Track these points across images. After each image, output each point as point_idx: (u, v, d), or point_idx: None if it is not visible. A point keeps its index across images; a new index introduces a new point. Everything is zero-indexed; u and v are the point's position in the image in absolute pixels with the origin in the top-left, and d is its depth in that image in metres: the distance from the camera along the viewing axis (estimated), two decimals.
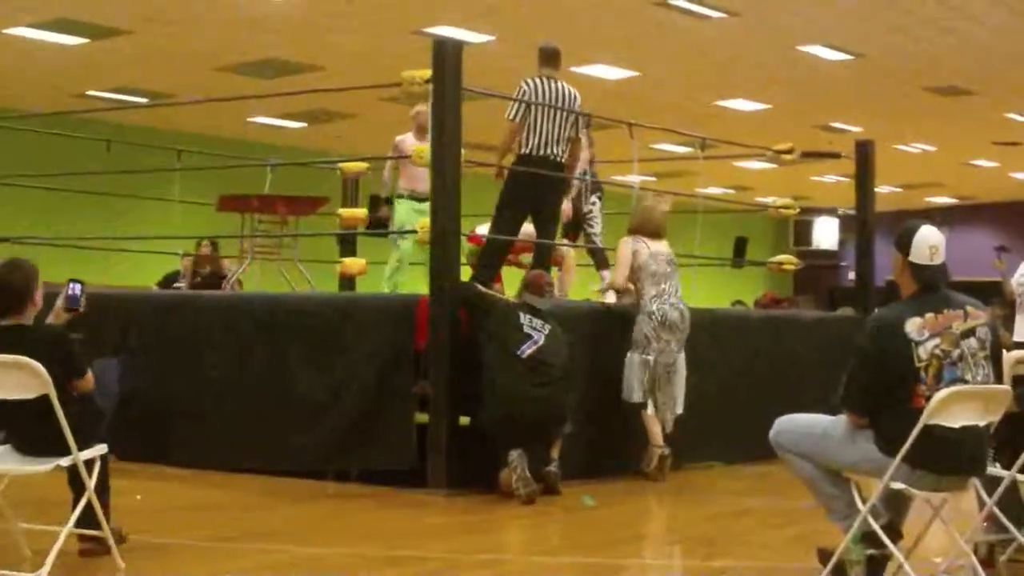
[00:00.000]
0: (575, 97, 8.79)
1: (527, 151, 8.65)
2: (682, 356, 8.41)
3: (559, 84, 8.74)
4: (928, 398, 4.58)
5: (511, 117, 8.63)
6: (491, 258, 8.85)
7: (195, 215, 13.42)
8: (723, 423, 9.12)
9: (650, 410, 8.28)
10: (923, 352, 4.66)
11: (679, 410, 8.36)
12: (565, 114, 8.68)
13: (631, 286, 8.46)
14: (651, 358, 8.23)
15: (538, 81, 8.68)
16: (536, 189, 8.73)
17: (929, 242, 4.79)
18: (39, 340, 5.12)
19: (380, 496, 7.47)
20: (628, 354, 8.30)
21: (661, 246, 8.53)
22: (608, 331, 8.59)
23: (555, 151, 8.68)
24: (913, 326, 4.68)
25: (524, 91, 8.64)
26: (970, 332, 4.74)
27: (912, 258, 4.80)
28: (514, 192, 8.76)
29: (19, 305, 5.20)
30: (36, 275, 5.31)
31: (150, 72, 17.62)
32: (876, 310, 5.05)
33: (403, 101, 10.43)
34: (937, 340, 4.67)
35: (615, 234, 9.49)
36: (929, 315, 4.71)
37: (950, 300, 4.79)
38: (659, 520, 7.58)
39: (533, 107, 8.59)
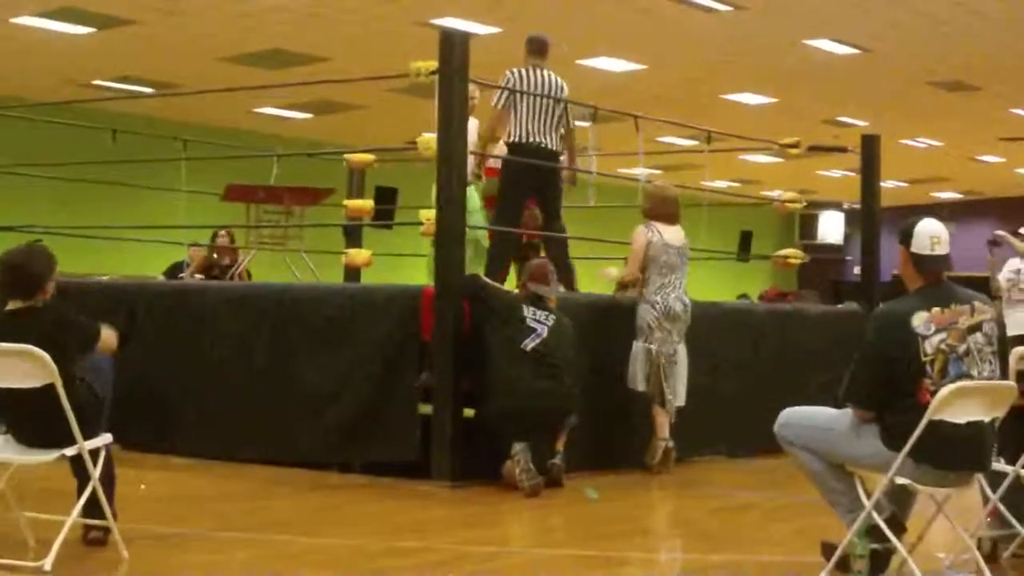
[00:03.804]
0: (562, 87, 8.84)
1: (515, 140, 8.73)
2: (683, 347, 8.39)
3: (545, 73, 8.80)
4: (934, 393, 4.58)
5: (495, 104, 8.70)
6: (499, 251, 8.85)
7: (200, 205, 13.41)
8: (727, 416, 9.11)
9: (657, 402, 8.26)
10: (929, 347, 4.66)
11: (679, 402, 8.33)
12: (552, 103, 8.72)
13: (640, 276, 8.41)
14: (654, 347, 8.21)
15: (523, 71, 8.75)
16: (533, 177, 8.76)
17: (930, 232, 4.81)
18: (46, 322, 5.13)
19: (384, 487, 7.47)
20: (634, 343, 8.29)
21: (676, 233, 8.40)
22: (612, 323, 8.58)
23: (545, 140, 8.73)
24: (920, 320, 4.68)
25: (508, 79, 8.72)
26: (976, 327, 4.74)
27: (913, 249, 4.82)
28: (510, 182, 8.79)
29: (31, 290, 5.21)
30: (53, 263, 5.31)
31: (155, 62, 17.61)
32: (882, 304, 5.05)
33: (410, 92, 10.38)
34: (944, 335, 4.67)
35: (615, 229, 9.48)
36: (936, 309, 4.71)
37: (957, 295, 4.80)
38: (662, 513, 7.58)
39: (518, 96, 8.64)
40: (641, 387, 8.22)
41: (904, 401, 4.67)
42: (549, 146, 8.78)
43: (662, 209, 8.44)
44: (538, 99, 8.68)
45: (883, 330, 4.78)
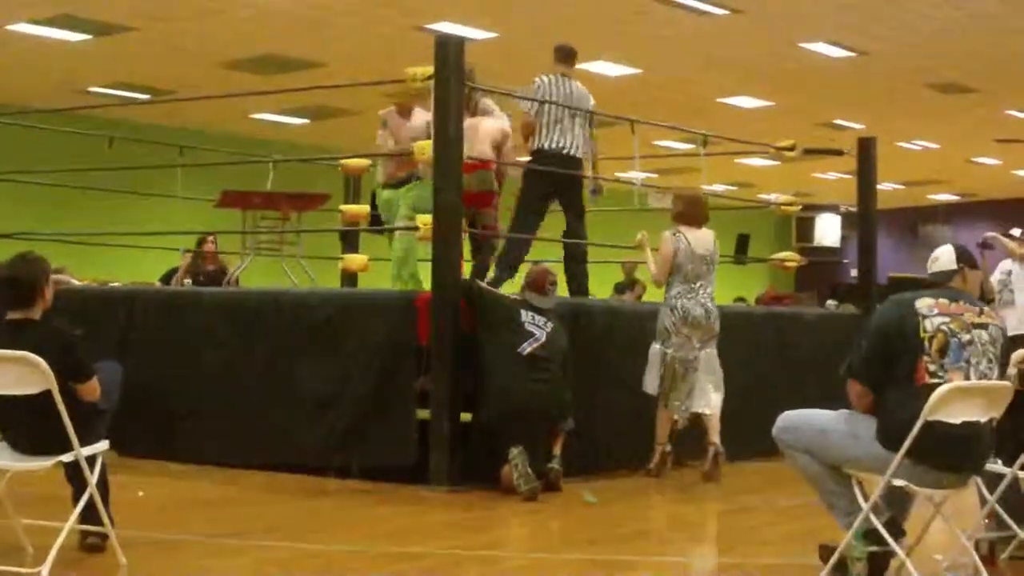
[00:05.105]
0: (588, 97, 9.08)
1: (538, 147, 8.88)
2: (706, 354, 8.29)
3: (573, 84, 9.04)
4: (933, 373, 4.68)
5: (528, 110, 8.89)
6: (510, 257, 8.94)
7: (197, 211, 13.41)
8: (725, 420, 9.09)
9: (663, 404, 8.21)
10: (929, 325, 4.78)
11: (701, 409, 8.23)
12: (577, 112, 8.94)
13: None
14: (669, 351, 8.17)
15: (551, 79, 8.95)
16: (553, 185, 8.90)
17: (932, 256, 5.15)
18: (46, 339, 5.10)
19: (381, 492, 7.47)
20: (652, 344, 8.25)
21: (705, 238, 8.31)
22: (616, 328, 8.59)
23: (567, 145, 8.90)
24: (924, 304, 4.83)
25: (538, 86, 8.89)
26: (982, 326, 4.86)
27: None
28: (531, 189, 8.94)
29: (28, 300, 5.20)
30: (47, 270, 5.31)
31: (152, 68, 17.62)
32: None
33: (404, 98, 10.35)
34: (946, 319, 4.80)
35: (612, 232, 9.49)
36: (943, 300, 4.86)
37: (967, 297, 4.95)
38: (660, 517, 7.57)
39: (547, 103, 8.82)
40: (650, 389, 8.18)
41: (903, 384, 4.73)
42: (571, 152, 8.96)
43: (690, 212, 8.40)
44: (564, 108, 8.89)
45: (887, 309, 4.92)
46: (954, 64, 17.19)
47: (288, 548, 5.75)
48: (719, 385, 8.34)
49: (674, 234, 8.26)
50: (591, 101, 9.12)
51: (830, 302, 14.38)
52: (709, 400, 8.27)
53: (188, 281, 12.08)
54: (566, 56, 9.16)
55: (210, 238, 12.57)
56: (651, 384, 8.18)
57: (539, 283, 7.88)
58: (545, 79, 8.94)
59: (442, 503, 7.20)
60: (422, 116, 9.39)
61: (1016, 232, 10.48)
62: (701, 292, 8.24)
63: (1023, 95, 19.22)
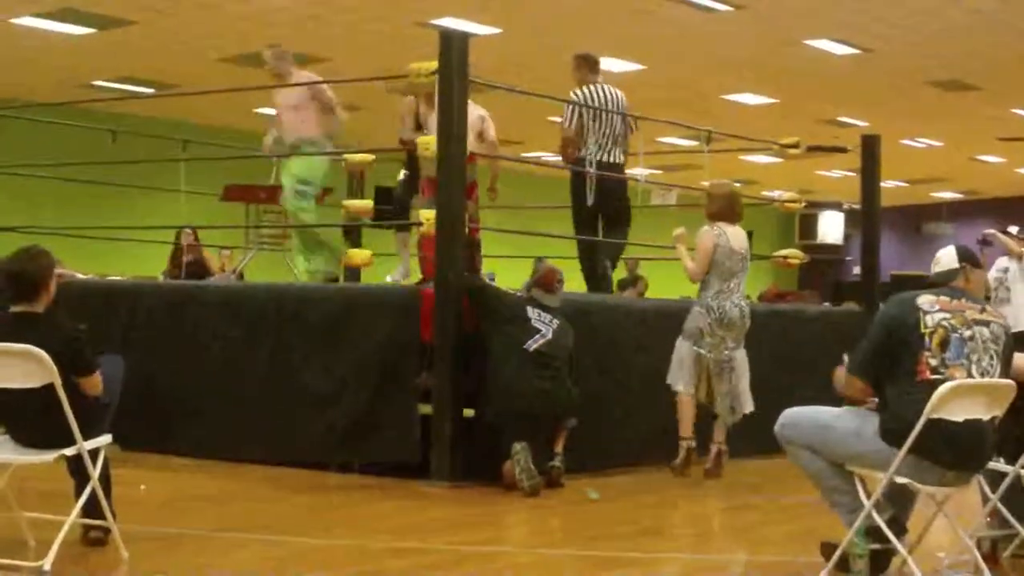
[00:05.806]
0: (622, 99, 9.37)
1: (583, 155, 9.20)
2: (742, 353, 8.30)
3: (607, 89, 9.34)
4: (934, 369, 4.69)
5: (567, 126, 9.25)
6: (588, 264, 9.37)
7: (200, 206, 13.41)
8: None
9: (688, 400, 8.16)
10: (930, 320, 4.80)
11: (746, 408, 8.26)
12: (615, 118, 9.28)
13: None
14: (703, 351, 8.15)
15: (587, 90, 9.27)
16: (596, 194, 9.21)
17: (935, 258, 5.20)
18: (50, 334, 5.09)
19: (383, 488, 7.47)
20: (678, 341, 8.22)
21: (740, 235, 8.33)
22: (618, 324, 8.58)
23: (606, 156, 9.23)
24: (925, 300, 4.87)
25: (576, 100, 9.23)
26: (984, 323, 4.88)
27: None
28: (579, 198, 9.26)
29: (33, 293, 5.20)
30: (52, 264, 5.31)
31: (156, 62, 17.62)
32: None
33: (408, 92, 10.37)
34: (947, 315, 4.83)
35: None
36: (944, 298, 4.89)
37: (970, 296, 4.98)
38: (662, 514, 7.56)
39: (586, 114, 9.15)
40: (679, 387, 8.14)
41: (904, 380, 4.74)
42: (611, 160, 9.28)
43: (727, 208, 8.38)
44: (603, 115, 9.22)
45: (889, 306, 4.96)
46: (958, 62, 17.18)
47: (290, 543, 5.76)
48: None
49: (713, 229, 8.25)
50: (625, 102, 9.39)
51: (825, 305, 14.35)
52: (748, 401, 8.30)
53: (177, 273, 12.13)
54: (595, 65, 9.51)
55: (187, 230, 12.63)
56: (679, 380, 8.14)
57: (547, 281, 7.86)
58: (580, 93, 9.23)
59: (444, 499, 7.20)
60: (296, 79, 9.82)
61: (1014, 229, 10.49)
62: (735, 291, 8.23)
63: None
